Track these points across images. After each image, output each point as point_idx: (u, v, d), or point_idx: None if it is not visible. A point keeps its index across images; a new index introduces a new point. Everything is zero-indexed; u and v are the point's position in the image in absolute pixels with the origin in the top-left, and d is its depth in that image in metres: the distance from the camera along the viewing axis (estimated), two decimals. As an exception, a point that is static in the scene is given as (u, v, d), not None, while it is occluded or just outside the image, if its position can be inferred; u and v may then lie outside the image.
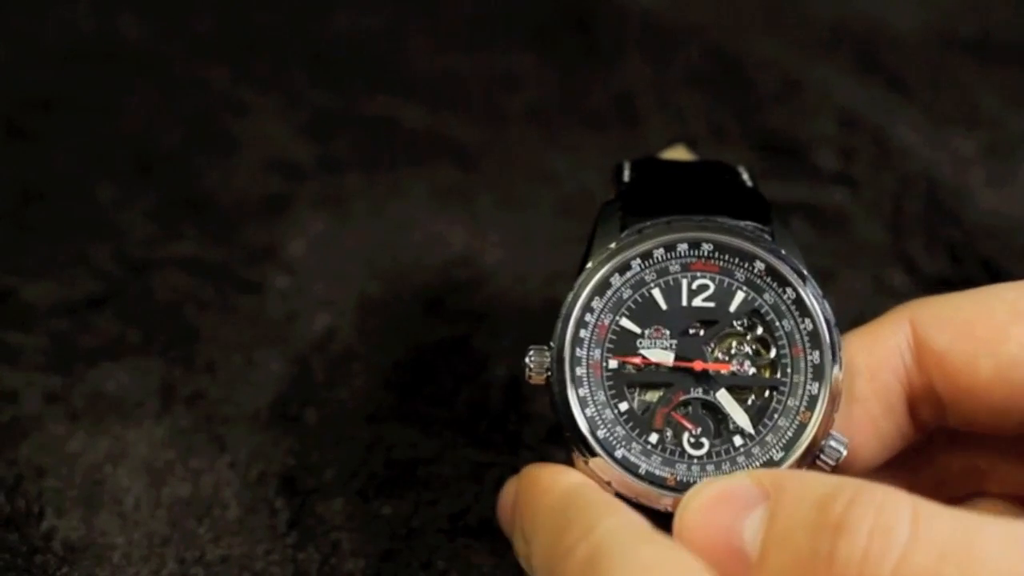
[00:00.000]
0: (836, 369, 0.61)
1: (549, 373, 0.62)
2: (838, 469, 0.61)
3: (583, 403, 0.62)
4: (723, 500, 0.55)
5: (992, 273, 0.88)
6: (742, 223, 0.63)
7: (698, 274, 0.63)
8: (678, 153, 0.78)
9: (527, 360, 0.62)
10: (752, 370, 0.62)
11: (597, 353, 0.62)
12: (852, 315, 0.84)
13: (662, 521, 0.57)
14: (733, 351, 0.63)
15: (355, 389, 0.81)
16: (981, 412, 0.59)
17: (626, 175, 0.68)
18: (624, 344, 0.63)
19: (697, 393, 0.62)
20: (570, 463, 0.62)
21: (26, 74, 1.02)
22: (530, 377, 0.62)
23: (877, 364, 0.61)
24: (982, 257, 0.89)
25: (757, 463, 0.61)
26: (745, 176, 0.69)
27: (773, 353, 0.62)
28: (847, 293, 0.87)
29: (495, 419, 0.79)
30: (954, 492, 0.65)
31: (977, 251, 0.89)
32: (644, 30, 1.06)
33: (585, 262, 0.63)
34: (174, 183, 0.94)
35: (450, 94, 1.02)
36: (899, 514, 0.49)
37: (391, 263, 0.89)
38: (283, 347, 0.83)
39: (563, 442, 0.63)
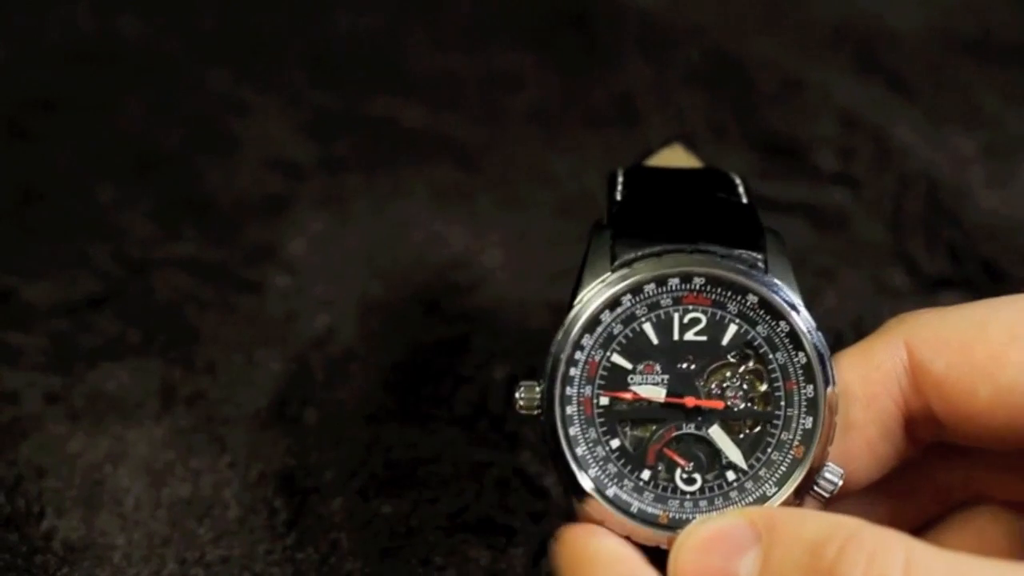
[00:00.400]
0: (830, 402, 0.60)
1: (539, 410, 0.61)
2: (834, 496, 0.60)
3: (574, 442, 0.61)
4: (717, 541, 0.54)
5: (992, 274, 0.88)
6: (735, 251, 0.62)
7: (690, 307, 0.61)
8: (675, 155, 0.77)
9: (517, 396, 0.61)
10: (744, 403, 0.61)
11: (588, 390, 0.61)
12: (852, 315, 0.85)
13: (658, 558, 0.57)
14: (726, 384, 0.62)
15: (355, 389, 0.81)
16: (980, 433, 0.59)
17: (619, 192, 0.66)
18: (615, 380, 0.61)
19: (690, 428, 0.61)
20: (566, 498, 0.61)
21: (26, 74, 1.02)
22: (520, 410, 0.61)
23: (873, 389, 0.60)
24: (982, 257, 0.89)
25: (750, 498, 0.60)
26: (741, 190, 0.67)
27: (766, 386, 0.61)
28: (847, 293, 0.87)
29: (495, 419, 0.79)
30: (953, 500, 0.64)
31: (977, 251, 0.89)
32: (644, 30, 1.06)
33: (575, 295, 0.62)
34: (174, 183, 0.94)
35: (450, 94, 1.02)
36: (892, 561, 0.49)
37: (391, 263, 0.89)
38: (283, 347, 0.83)
39: (558, 479, 0.62)
